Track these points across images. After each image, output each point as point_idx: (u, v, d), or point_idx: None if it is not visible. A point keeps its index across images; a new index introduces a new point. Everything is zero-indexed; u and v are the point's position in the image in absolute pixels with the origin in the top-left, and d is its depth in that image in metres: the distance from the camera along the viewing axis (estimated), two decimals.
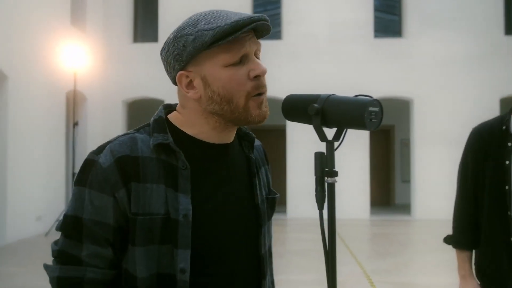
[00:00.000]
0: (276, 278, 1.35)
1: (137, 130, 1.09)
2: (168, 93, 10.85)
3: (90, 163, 1.04)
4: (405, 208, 11.69)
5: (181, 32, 1.04)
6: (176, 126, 1.09)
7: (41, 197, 8.47)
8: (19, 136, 7.85)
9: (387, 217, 11.44)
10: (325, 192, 0.98)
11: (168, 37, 1.08)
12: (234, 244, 1.09)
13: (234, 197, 1.10)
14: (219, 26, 0.98)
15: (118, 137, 1.07)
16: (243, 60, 1.03)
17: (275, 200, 1.23)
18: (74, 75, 8.83)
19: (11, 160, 7.62)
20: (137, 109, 12.04)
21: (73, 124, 8.82)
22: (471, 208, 2.01)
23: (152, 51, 11.05)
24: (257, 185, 1.16)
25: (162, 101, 10.87)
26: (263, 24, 1.03)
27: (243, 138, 1.18)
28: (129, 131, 1.10)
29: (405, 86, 10.60)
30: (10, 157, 7.60)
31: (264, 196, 1.19)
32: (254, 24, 1.00)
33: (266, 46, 10.15)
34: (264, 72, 1.04)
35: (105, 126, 10.90)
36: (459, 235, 2.06)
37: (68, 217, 1.03)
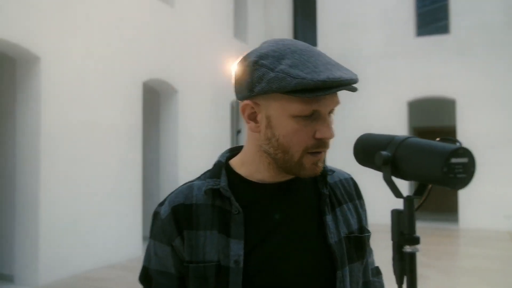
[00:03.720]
0: None
1: (199, 177, 1.09)
2: None
3: (154, 215, 1.08)
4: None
5: (262, 61, 0.94)
6: (232, 169, 1.06)
7: None
8: (189, 144, 8.53)
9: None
10: (404, 262, 0.77)
11: (248, 55, 0.99)
12: None
13: (297, 240, 1.00)
14: (304, 79, 0.88)
15: (179, 187, 1.08)
16: (314, 115, 0.94)
17: (362, 239, 1.08)
18: None
19: (181, 167, 8.32)
20: None
21: (236, 131, 9.26)
22: None
23: None
24: (330, 223, 1.03)
25: None
26: (352, 87, 0.93)
27: None
28: (191, 180, 1.10)
29: None
30: (181, 164, 8.30)
31: (343, 235, 1.04)
32: (341, 88, 0.90)
33: (432, 41, 9.59)
34: (330, 137, 0.95)
35: None
36: None
37: (142, 268, 1.09)
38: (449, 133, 10.73)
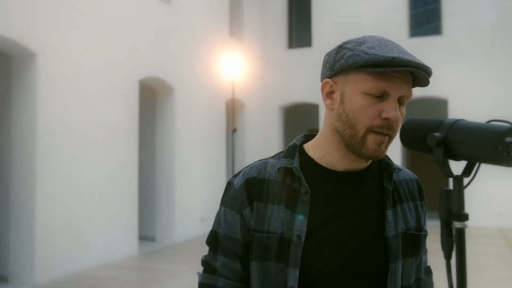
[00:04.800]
0: None
1: (273, 156, 1.17)
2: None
3: (228, 185, 1.16)
4: None
5: (346, 45, 1.05)
6: (305, 152, 1.13)
7: (204, 200, 9.07)
8: (185, 143, 8.52)
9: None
10: (452, 238, 0.79)
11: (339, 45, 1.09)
12: (348, 274, 1.04)
13: (357, 227, 1.06)
14: (376, 55, 0.97)
15: (254, 162, 1.16)
16: (384, 97, 1.00)
17: (418, 237, 1.12)
18: (232, 84, 9.29)
19: (178, 165, 8.31)
20: (293, 114, 12.23)
21: (232, 130, 9.28)
22: None
23: (307, 56, 11.20)
24: (390, 217, 1.08)
25: (317, 106, 10.88)
26: (419, 73, 0.97)
27: (384, 168, 1.14)
28: (266, 158, 1.18)
29: None
30: (177, 162, 8.29)
31: (401, 231, 1.09)
32: (408, 68, 0.95)
33: (424, 42, 9.68)
34: (395, 119, 0.99)
35: (263, 131, 11.28)
36: None
37: (210, 232, 1.17)
38: None
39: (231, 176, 1.18)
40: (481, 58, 9.91)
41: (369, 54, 0.97)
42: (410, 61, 0.95)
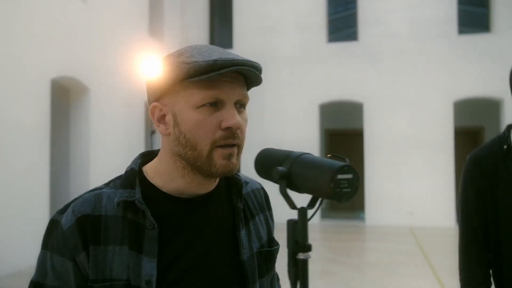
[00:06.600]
0: None
1: (107, 184, 1.00)
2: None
3: (53, 224, 0.96)
4: None
5: (164, 62, 0.95)
6: (147, 179, 0.99)
7: None
8: (101, 145, 8.25)
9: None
10: (298, 268, 0.83)
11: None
12: None
13: (211, 257, 0.96)
14: (196, 61, 0.89)
15: (84, 193, 0.98)
16: (219, 106, 0.92)
17: (272, 253, 1.06)
18: None
19: (93, 167, 8.03)
20: None
21: (150, 132, 9.11)
22: (483, 252, 1.72)
23: None
24: (244, 238, 1.01)
25: None
26: (248, 71, 0.91)
27: (233, 184, 1.05)
28: (98, 186, 1.01)
29: (494, 86, 9.79)
30: (92, 165, 8.01)
31: (256, 250, 1.03)
32: (234, 67, 0.88)
33: (342, 48, 10.04)
34: (237, 126, 0.91)
35: None
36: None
37: (32, 284, 0.96)
38: (357, 135, 11.28)
39: (55, 212, 0.98)
40: (394, 64, 10.43)
41: (190, 63, 0.90)
42: (234, 60, 0.89)
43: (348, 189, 0.77)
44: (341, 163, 0.77)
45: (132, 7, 9.34)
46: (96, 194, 0.97)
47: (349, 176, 0.77)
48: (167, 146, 0.97)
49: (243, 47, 11.06)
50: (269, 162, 0.88)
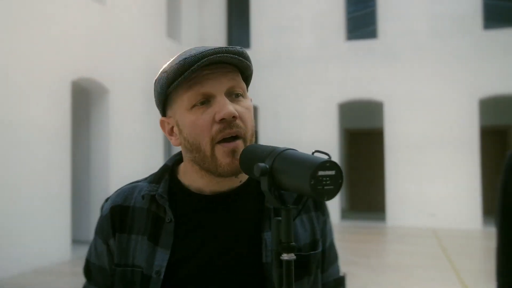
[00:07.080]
0: None
1: (145, 178, 1.08)
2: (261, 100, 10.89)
3: (100, 209, 1.08)
4: None
5: (159, 75, 0.98)
6: (176, 176, 1.04)
7: None
8: (121, 145, 8.33)
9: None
10: (282, 269, 0.79)
11: None
12: None
13: (228, 256, 0.94)
14: (172, 66, 0.91)
15: (124, 185, 1.08)
16: (210, 100, 0.91)
17: (307, 259, 0.99)
18: None
19: (113, 168, 8.11)
20: None
21: None
22: None
23: None
24: (269, 240, 0.95)
25: (256, 108, 10.89)
26: (225, 57, 0.90)
27: None
28: (139, 179, 1.09)
29: None
30: (112, 165, 8.09)
31: None
32: (205, 59, 0.88)
33: (361, 46, 9.92)
34: (229, 114, 0.88)
35: None
36: None
37: (85, 259, 1.09)
38: (378, 134, 11.14)
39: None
40: (414, 62, 10.24)
41: (167, 70, 0.92)
42: (204, 52, 0.88)
43: (331, 187, 0.72)
44: (323, 159, 0.73)
45: (149, 8, 9.40)
46: (131, 187, 1.06)
47: (332, 172, 0.72)
48: (184, 154, 1.01)
49: (261, 46, 11.03)
50: (251, 159, 0.84)
